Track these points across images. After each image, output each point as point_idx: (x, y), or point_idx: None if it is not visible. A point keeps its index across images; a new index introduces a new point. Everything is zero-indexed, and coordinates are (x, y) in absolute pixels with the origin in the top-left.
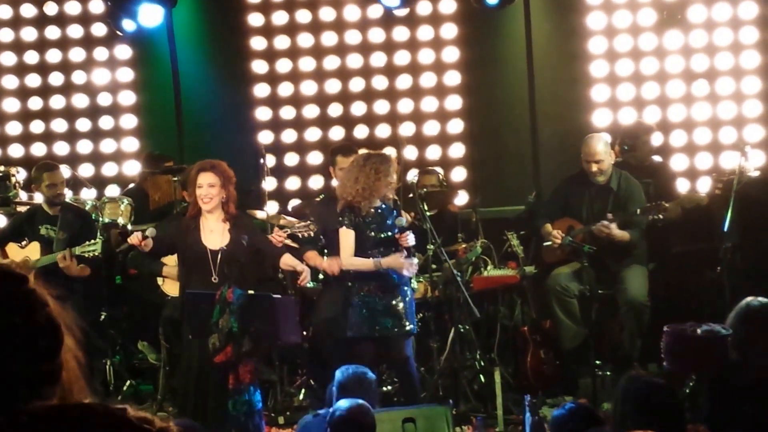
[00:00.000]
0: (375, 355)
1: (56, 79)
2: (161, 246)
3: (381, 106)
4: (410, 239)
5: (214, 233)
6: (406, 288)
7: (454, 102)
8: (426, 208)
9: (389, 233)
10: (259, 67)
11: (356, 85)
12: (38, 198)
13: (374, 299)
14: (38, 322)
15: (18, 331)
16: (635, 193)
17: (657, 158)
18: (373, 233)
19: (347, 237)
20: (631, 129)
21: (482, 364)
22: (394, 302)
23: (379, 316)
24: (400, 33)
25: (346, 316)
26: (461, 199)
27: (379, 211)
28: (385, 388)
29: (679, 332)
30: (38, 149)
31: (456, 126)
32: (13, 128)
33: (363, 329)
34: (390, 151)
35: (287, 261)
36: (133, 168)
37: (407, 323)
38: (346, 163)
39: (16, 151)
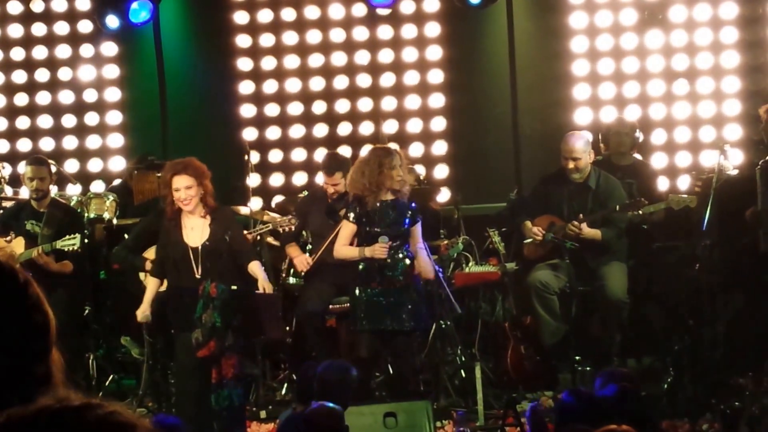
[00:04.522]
0: (376, 349)
1: (42, 75)
2: (144, 240)
3: (364, 104)
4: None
5: (195, 230)
6: (411, 286)
7: (437, 100)
8: None
9: (396, 228)
10: (244, 64)
11: (340, 82)
12: (24, 193)
13: (378, 295)
14: (33, 321)
15: (12, 331)
16: (614, 191)
17: (637, 157)
18: (377, 228)
19: (346, 228)
20: (610, 125)
21: (463, 359)
22: (397, 299)
23: (382, 312)
24: (384, 31)
25: (354, 310)
26: (443, 196)
27: (387, 205)
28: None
29: None
30: (24, 145)
31: (439, 124)
32: None
33: (365, 324)
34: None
35: (254, 269)
36: (118, 164)
37: (409, 321)
38: (331, 180)
39: (1, 146)
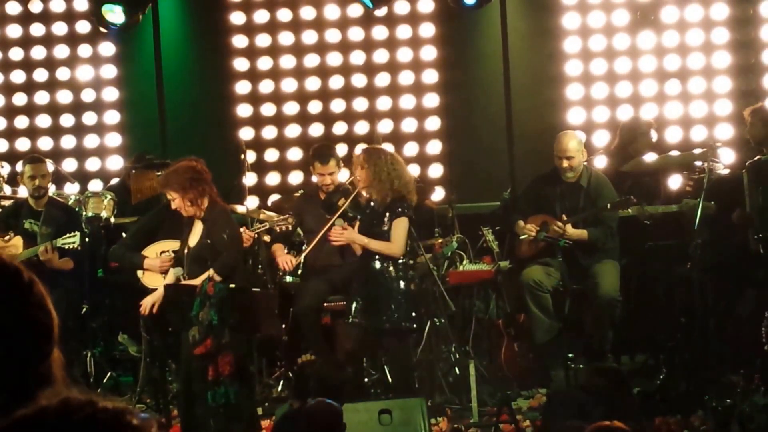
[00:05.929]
0: (364, 343)
1: (40, 75)
2: (142, 239)
3: (360, 104)
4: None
5: (196, 231)
6: (401, 283)
7: (432, 100)
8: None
9: (370, 228)
10: (240, 64)
11: (335, 82)
12: (23, 192)
13: (361, 292)
14: (38, 320)
15: (16, 330)
16: (605, 189)
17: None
18: (358, 224)
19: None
20: (631, 123)
21: (457, 356)
22: (375, 297)
23: (362, 308)
24: (379, 32)
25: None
26: (438, 195)
27: (368, 204)
28: (366, 379)
29: None
30: (22, 144)
31: (433, 123)
32: None
33: (351, 318)
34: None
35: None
36: (116, 163)
37: (398, 317)
38: (326, 169)
39: (0, 146)
